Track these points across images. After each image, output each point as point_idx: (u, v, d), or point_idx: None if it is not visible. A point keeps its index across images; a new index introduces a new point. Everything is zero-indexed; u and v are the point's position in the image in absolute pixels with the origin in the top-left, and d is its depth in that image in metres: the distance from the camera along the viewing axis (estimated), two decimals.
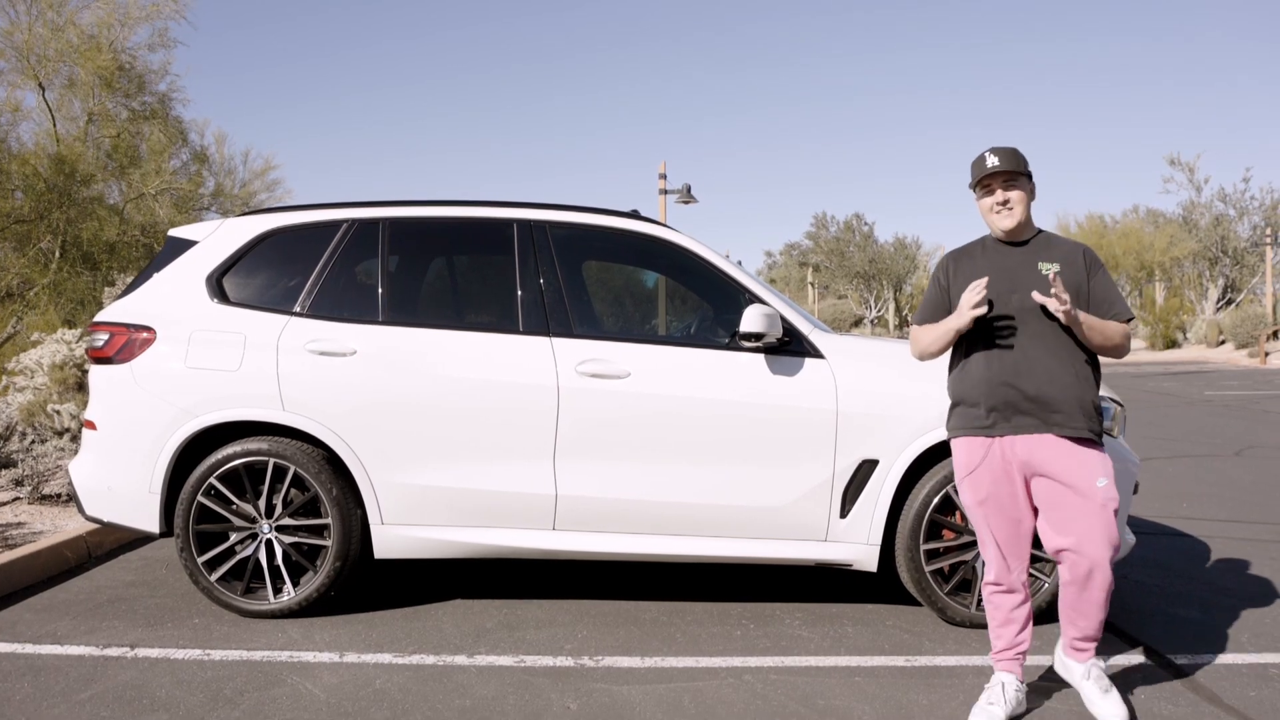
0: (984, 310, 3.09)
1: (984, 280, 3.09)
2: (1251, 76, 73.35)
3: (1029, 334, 3.14)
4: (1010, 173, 3.16)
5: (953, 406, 3.31)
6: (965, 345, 3.25)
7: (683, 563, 4.98)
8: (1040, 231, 3.29)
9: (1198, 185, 42.64)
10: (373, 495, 4.21)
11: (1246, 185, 42.43)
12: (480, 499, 4.18)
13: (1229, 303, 42.08)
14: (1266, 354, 30.36)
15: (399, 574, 4.97)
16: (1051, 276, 3.04)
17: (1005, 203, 3.18)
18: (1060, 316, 3.02)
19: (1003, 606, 3.28)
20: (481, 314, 4.88)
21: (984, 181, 3.20)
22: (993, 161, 3.16)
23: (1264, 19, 71.44)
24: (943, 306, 3.30)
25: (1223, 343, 35.81)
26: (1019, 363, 3.13)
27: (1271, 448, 10.15)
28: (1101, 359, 3.26)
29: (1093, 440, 3.13)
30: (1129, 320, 3.18)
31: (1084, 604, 3.19)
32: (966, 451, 3.24)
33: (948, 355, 3.35)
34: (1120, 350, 3.18)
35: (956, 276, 3.29)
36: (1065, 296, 2.99)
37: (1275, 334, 32.59)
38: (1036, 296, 3.06)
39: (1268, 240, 38.47)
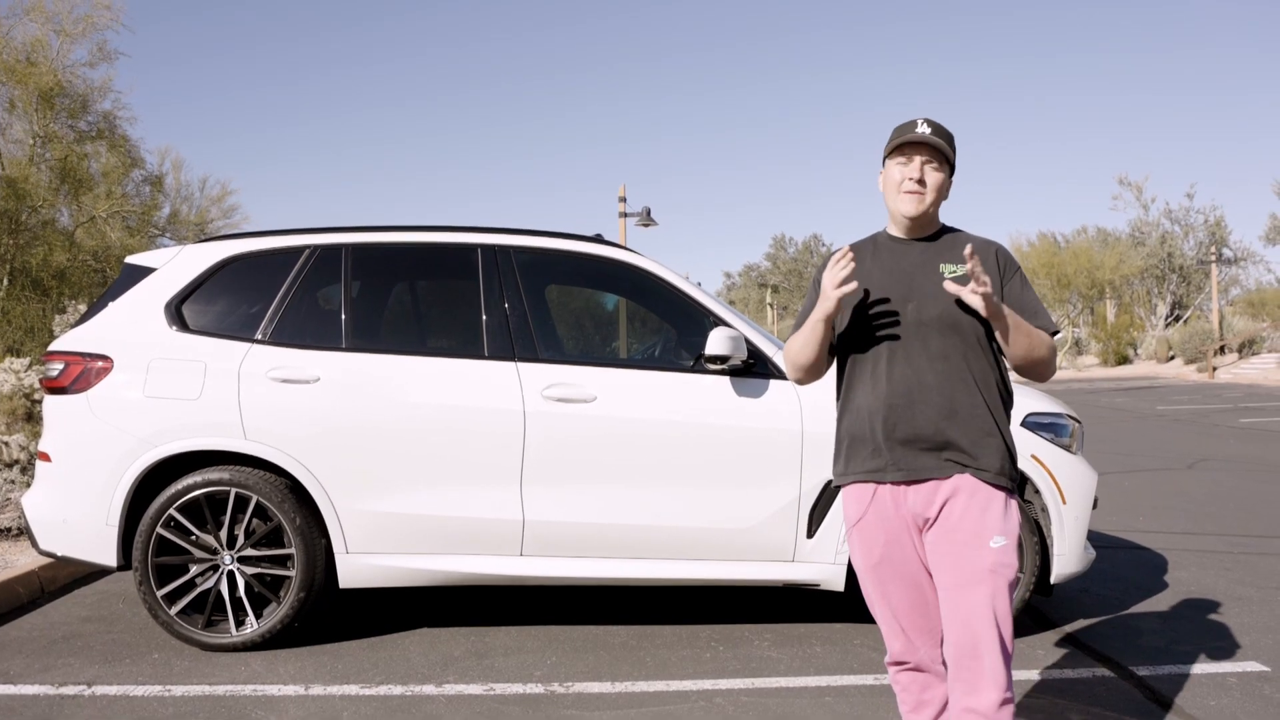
0: (851, 287, 2.43)
1: (846, 251, 2.46)
2: (1199, 92, 75.54)
3: (929, 353, 2.47)
4: (939, 151, 2.51)
5: (838, 447, 2.65)
6: (849, 369, 2.60)
7: (651, 586, 4.98)
8: (945, 229, 2.63)
9: (1145, 204, 43.82)
10: (337, 524, 4.16)
11: (1191, 201, 43.67)
12: (447, 526, 4.15)
13: (1177, 319, 43.13)
14: (1215, 369, 31.10)
15: (364, 603, 4.91)
16: (968, 253, 2.33)
17: (920, 181, 2.50)
18: (978, 305, 2.36)
19: (911, 688, 2.62)
20: (446, 339, 4.86)
21: (904, 148, 2.52)
22: (924, 129, 2.50)
23: (1215, 33, 73.70)
24: None
25: (1172, 358, 36.65)
26: (915, 390, 2.46)
27: (1222, 460, 10.40)
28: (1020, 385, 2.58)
29: (1005, 489, 2.48)
30: (1054, 335, 2.56)
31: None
32: (855, 500, 2.58)
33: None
34: (1047, 367, 2.54)
35: None
36: (985, 278, 2.34)
37: (1222, 349, 33.39)
38: (949, 286, 2.41)
39: (1213, 257, 39.55)
